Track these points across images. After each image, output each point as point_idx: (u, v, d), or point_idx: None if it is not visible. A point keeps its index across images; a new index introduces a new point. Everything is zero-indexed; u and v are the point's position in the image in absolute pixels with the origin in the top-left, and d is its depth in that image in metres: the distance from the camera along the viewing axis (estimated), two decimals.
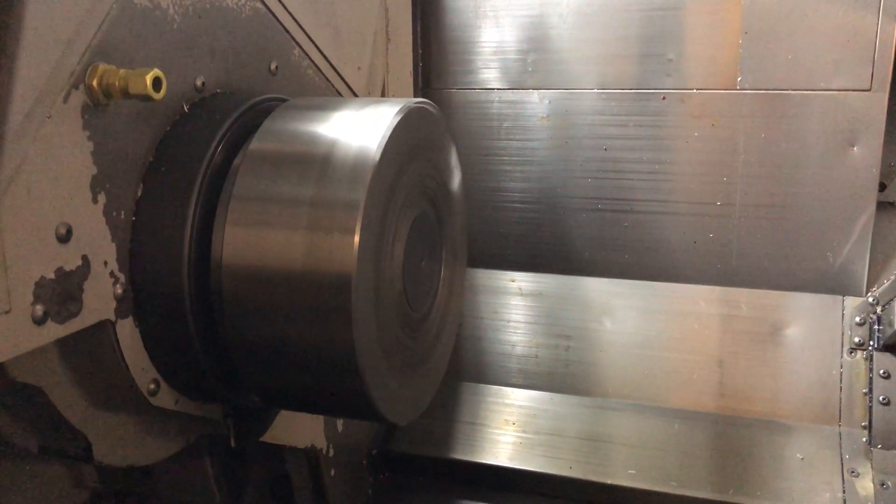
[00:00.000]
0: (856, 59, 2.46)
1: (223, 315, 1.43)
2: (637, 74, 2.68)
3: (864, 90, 2.47)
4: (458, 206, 1.87)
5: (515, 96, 2.82)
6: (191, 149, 1.49)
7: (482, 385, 2.85)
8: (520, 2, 2.75)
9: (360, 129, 1.48)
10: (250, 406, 1.76)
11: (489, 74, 2.84)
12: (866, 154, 2.51)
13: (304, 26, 2.00)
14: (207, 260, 1.46)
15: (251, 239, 1.41)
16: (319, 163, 1.43)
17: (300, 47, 1.99)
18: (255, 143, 1.49)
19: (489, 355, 2.87)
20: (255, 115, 1.60)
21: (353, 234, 1.35)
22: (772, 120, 2.57)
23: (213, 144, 1.51)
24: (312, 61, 2.06)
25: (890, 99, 2.48)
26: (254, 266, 1.40)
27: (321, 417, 2.30)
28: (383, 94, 2.54)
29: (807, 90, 2.52)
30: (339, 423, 2.41)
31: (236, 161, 1.52)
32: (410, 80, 2.77)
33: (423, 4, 2.81)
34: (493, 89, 2.84)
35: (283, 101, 1.70)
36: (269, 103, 1.66)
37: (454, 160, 1.82)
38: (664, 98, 2.65)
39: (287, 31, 1.92)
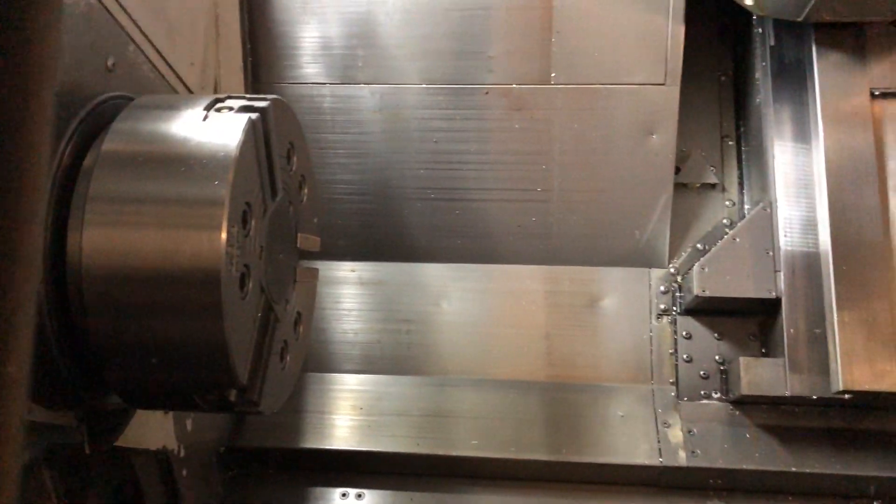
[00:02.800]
0: (651, 56, 2.76)
1: (86, 318, 1.41)
2: (461, 70, 2.84)
3: (659, 84, 2.78)
4: (313, 199, 1.94)
5: (347, 91, 2.89)
6: None
7: (328, 374, 2.91)
8: None
9: (217, 126, 1.51)
10: (108, 409, 1.73)
11: (320, 69, 2.89)
12: (663, 141, 2.83)
13: (138, 22, 1.97)
14: (63, 263, 1.43)
15: (114, 240, 1.40)
16: (179, 161, 1.45)
17: (135, 43, 1.96)
18: (108, 144, 1.48)
19: (333, 345, 2.94)
20: (101, 115, 1.58)
21: (219, 230, 1.39)
22: (582, 112, 2.82)
23: (61, 146, 1.48)
24: (148, 58, 2.03)
25: (681, 92, 2.81)
26: (118, 267, 1.40)
27: (170, 418, 2.28)
28: (216, 90, 2.53)
29: (612, 84, 2.80)
30: (189, 422, 2.39)
31: (87, 162, 1.50)
32: (241, 75, 2.76)
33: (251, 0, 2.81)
34: (325, 83, 2.90)
35: (128, 98, 1.68)
36: (114, 101, 1.64)
37: (306, 154, 1.88)
38: (487, 93, 2.84)
39: (122, 27, 1.89)
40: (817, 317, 2.53)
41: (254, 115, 1.53)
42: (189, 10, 2.32)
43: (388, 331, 2.95)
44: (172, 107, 1.57)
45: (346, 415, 2.83)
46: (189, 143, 1.47)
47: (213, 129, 1.50)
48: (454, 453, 2.69)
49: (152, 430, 2.20)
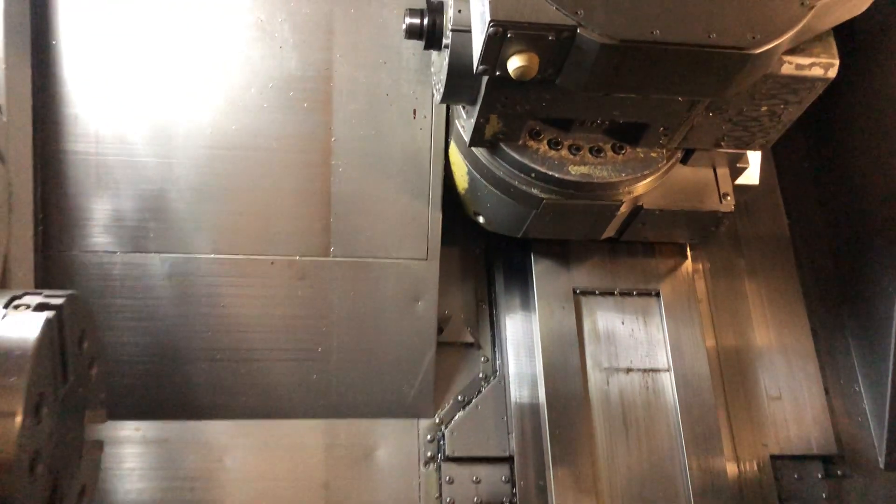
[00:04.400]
0: (415, 236, 3.23)
1: None
2: (250, 243, 3.14)
3: (422, 259, 3.24)
4: (101, 376, 2.11)
5: (138, 259, 3.09)
6: None
7: None
8: (140, 176, 3.07)
9: (15, 324, 1.69)
10: None
11: (112, 238, 3.06)
12: (427, 307, 3.27)
13: None
14: None
15: None
16: None
17: None
18: None
19: None
20: None
21: (13, 420, 1.56)
22: (358, 282, 3.21)
23: None
24: None
25: (442, 264, 3.29)
26: None
27: None
28: (7, 264, 2.64)
29: (382, 259, 3.22)
30: None
31: None
32: (31, 246, 2.88)
33: (44, 174, 2.97)
34: (116, 252, 3.08)
35: None
36: None
37: (96, 336, 2.07)
38: (273, 263, 3.15)
39: None
40: (541, 470, 3.02)
41: (49, 314, 1.73)
42: None
43: (171, 489, 3.05)
44: None
45: None
46: None
47: (10, 327, 1.68)
48: None
49: None
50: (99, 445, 2.12)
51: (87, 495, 2.04)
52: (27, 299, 1.77)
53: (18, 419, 1.55)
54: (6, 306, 1.73)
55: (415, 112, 3.18)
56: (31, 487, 1.63)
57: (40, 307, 1.74)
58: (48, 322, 1.71)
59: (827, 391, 3.50)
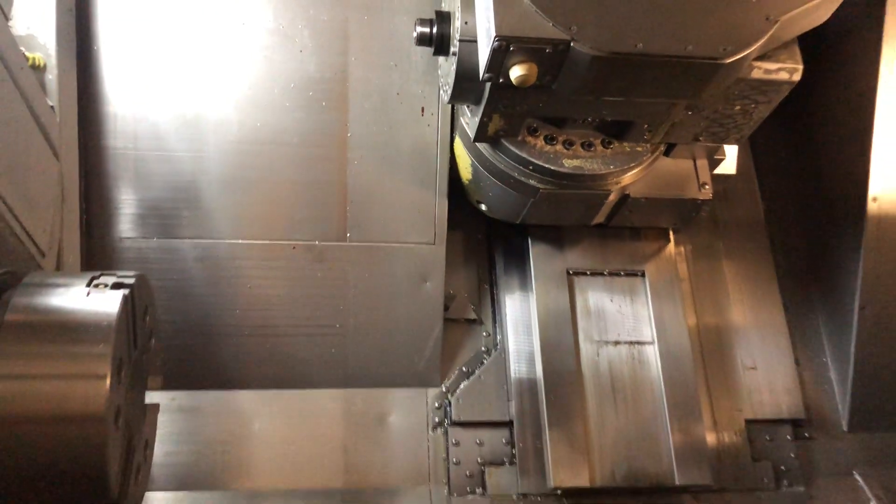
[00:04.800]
0: (423, 222, 3.55)
1: None
2: (274, 229, 3.46)
3: (430, 244, 3.56)
4: (157, 347, 2.43)
5: (171, 244, 3.40)
6: None
7: (150, 493, 3.26)
8: (174, 169, 3.37)
9: (98, 300, 2.01)
10: None
11: (148, 225, 3.37)
12: (434, 287, 3.59)
13: (5, 198, 2.38)
14: None
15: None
16: (71, 328, 1.93)
17: (4, 220, 2.38)
18: (11, 315, 1.93)
19: (155, 467, 3.30)
20: None
21: (105, 380, 1.88)
22: (372, 264, 3.53)
23: None
24: (12, 229, 2.45)
25: (447, 248, 3.61)
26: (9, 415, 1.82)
27: None
28: (60, 249, 2.95)
29: (395, 243, 3.54)
30: None
31: None
32: (78, 232, 3.19)
33: (87, 168, 3.28)
34: (151, 238, 3.38)
35: (9, 273, 2.12)
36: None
37: (155, 311, 2.39)
38: (294, 247, 3.46)
39: None
40: (538, 433, 3.37)
41: (125, 291, 2.04)
42: (44, 182, 2.76)
43: (205, 451, 3.37)
44: (59, 284, 2.05)
45: None
46: (78, 314, 1.95)
47: (95, 303, 1.99)
48: None
49: None
50: (156, 407, 2.43)
51: (149, 449, 2.36)
52: (104, 279, 2.08)
53: (108, 380, 1.86)
54: (88, 285, 2.04)
55: (423, 110, 3.49)
56: (115, 437, 1.95)
57: (116, 286, 2.05)
58: (125, 298, 2.02)
59: (797, 362, 3.86)
